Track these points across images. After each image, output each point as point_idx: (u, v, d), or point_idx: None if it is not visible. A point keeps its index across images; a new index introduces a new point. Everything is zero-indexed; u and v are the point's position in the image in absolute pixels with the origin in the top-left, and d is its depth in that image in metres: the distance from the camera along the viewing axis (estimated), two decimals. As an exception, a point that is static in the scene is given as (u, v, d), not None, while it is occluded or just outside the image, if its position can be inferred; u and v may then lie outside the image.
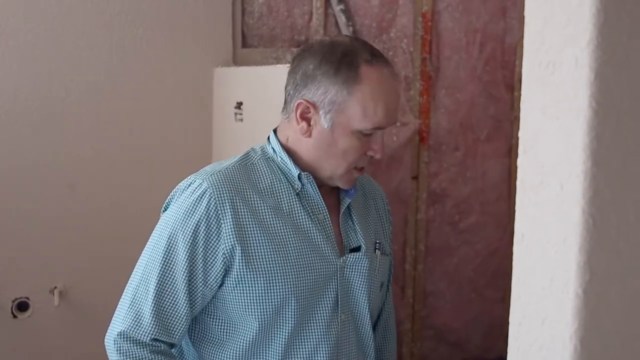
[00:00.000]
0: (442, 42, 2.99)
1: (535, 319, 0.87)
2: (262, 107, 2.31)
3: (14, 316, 2.57)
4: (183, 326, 1.50)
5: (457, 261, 3.16)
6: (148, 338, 1.47)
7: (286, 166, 1.56)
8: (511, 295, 0.91)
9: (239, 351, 1.55)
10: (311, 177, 1.56)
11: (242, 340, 1.54)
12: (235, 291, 1.51)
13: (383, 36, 2.91)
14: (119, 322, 1.49)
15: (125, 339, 1.47)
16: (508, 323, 0.92)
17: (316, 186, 1.57)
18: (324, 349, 1.58)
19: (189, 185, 1.53)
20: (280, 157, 1.57)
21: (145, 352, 1.47)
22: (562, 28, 0.79)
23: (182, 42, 2.68)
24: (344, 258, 1.59)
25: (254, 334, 1.53)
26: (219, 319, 1.55)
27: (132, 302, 1.49)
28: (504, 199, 3.12)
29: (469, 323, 3.20)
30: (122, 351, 1.47)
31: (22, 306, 2.58)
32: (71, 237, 2.62)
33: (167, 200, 1.59)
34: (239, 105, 2.45)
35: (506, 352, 0.93)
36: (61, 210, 2.60)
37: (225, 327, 1.55)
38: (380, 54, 1.55)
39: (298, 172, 1.55)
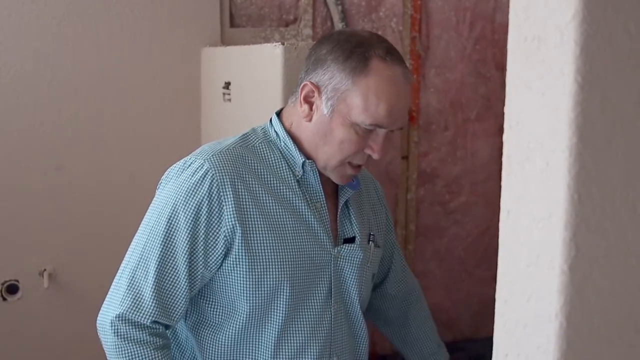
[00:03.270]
0: (432, 21, 2.98)
1: (521, 296, 0.87)
2: (250, 87, 2.29)
3: (4, 299, 2.57)
4: (182, 308, 1.49)
5: (447, 241, 3.17)
6: (149, 320, 1.45)
7: (289, 152, 1.54)
8: (497, 272, 0.90)
9: (233, 336, 1.54)
10: (315, 165, 1.54)
11: (236, 325, 1.54)
12: (232, 274, 1.50)
13: (372, 15, 2.90)
14: (115, 304, 1.46)
15: (123, 322, 1.44)
16: (496, 302, 0.92)
17: (318, 175, 1.55)
18: (317, 337, 1.57)
19: (189, 165, 1.50)
20: (284, 142, 1.55)
21: (144, 334, 1.45)
22: (546, 1, 0.78)
23: (170, 22, 2.65)
24: (339, 248, 1.58)
25: (248, 319, 1.53)
26: (214, 303, 1.55)
27: (130, 283, 1.46)
28: (493, 179, 3.12)
29: (459, 303, 3.21)
30: (119, 334, 1.44)
31: (12, 289, 2.58)
32: (60, 219, 2.60)
33: (161, 180, 1.56)
34: (227, 85, 2.43)
35: (494, 330, 0.93)
36: (50, 192, 2.58)
37: (220, 311, 1.55)
38: (397, 54, 1.50)
39: (303, 159, 1.53)
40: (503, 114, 0.88)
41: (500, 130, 3.25)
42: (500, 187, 0.89)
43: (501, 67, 3.08)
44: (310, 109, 1.51)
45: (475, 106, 3.09)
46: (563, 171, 0.79)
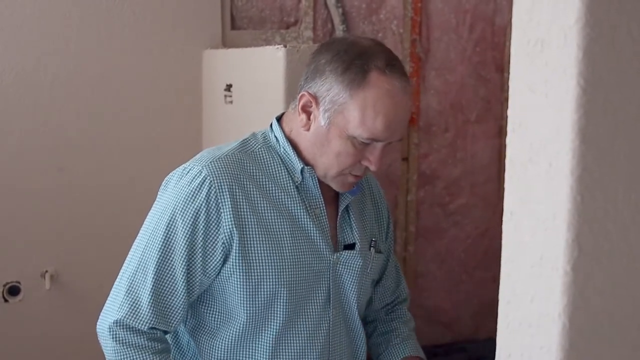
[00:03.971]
0: (432, 23, 2.98)
1: (525, 297, 0.88)
2: (252, 89, 2.30)
3: (5, 300, 2.57)
4: (180, 314, 1.49)
5: (447, 242, 3.17)
6: (146, 327, 1.45)
7: (289, 158, 1.53)
8: (501, 273, 0.91)
9: (230, 341, 1.55)
10: (314, 171, 1.53)
11: (233, 331, 1.54)
12: (230, 280, 1.50)
13: (372, 17, 2.90)
14: (114, 310, 1.47)
15: (121, 327, 1.45)
16: (498, 302, 0.93)
17: (317, 180, 1.54)
18: (315, 344, 1.57)
19: (188, 172, 1.49)
20: (283, 148, 1.54)
21: (142, 339, 1.45)
22: (550, 5, 0.79)
23: (171, 25, 2.66)
24: (338, 255, 1.57)
25: (245, 325, 1.53)
26: (212, 308, 1.55)
27: (128, 289, 1.47)
28: (493, 180, 3.13)
29: (459, 304, 3.21)
30: (118, 339, 1.45)
31: (13, 290, 2.58)
32: (62, 221, 2.61)
33: (161, 186, 1.55)
34: (229, 87, 2.44)
35: (496, 331, 0.93)
36: (52, 194, 2.59)
37: (218, 316, 1.55)
38: (399, 65, 1.47)
39: (301, 166, 1.52)
40: (503, 115, 0.89)
41: (500, 132, 3.25)
42: (500, 188, 0.90)
43: (501, 69, 3.09)
44: (308, 118, 1.49)
45: (475, 108, 3.10)
46: (566, 173, 0.80)
